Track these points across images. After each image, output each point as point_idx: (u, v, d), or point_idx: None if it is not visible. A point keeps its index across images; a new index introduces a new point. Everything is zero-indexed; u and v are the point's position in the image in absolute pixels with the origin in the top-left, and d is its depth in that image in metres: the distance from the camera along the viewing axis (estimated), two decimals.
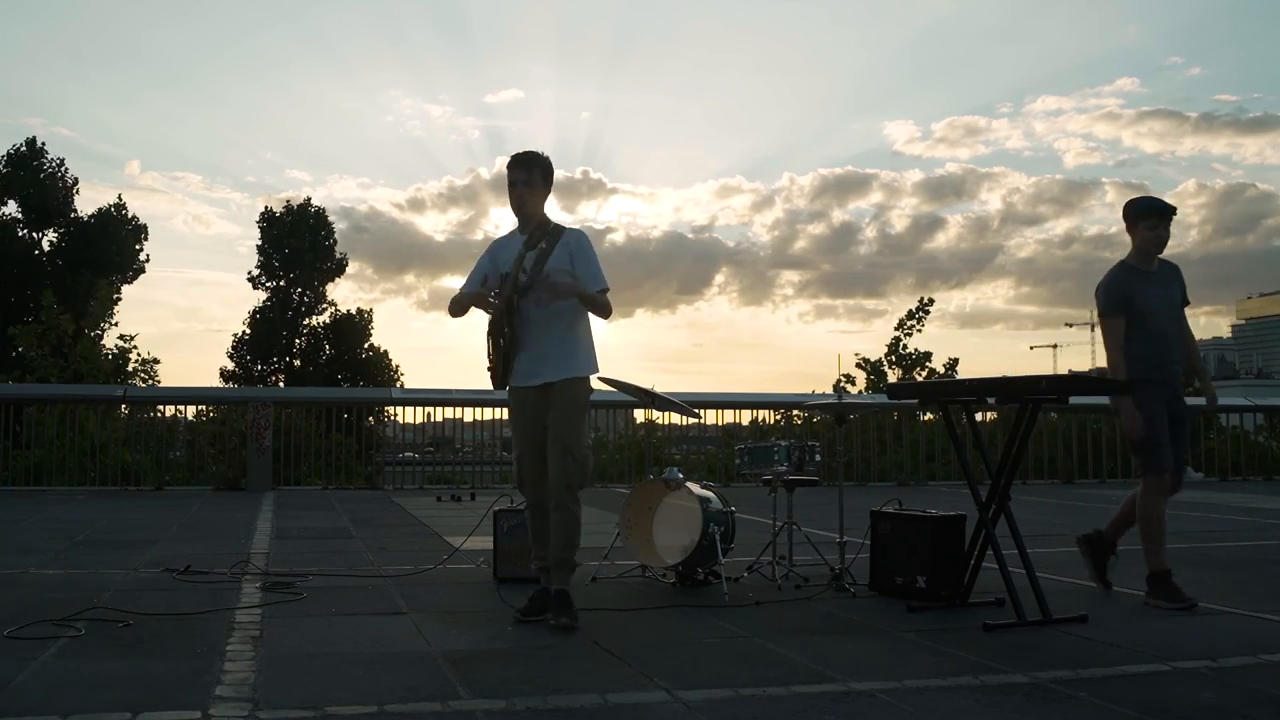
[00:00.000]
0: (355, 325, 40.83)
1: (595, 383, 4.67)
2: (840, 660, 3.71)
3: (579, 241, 4.46)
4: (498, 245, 4.61)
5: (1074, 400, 5.93)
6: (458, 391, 12.99)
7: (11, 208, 36.88)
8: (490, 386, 4.53)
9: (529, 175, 4.45)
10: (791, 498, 5.51)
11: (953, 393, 5.20)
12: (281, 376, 38.62)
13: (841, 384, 15.62)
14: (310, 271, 40.46)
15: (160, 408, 13.79)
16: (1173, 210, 5.03)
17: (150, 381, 17.99)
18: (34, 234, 37.22)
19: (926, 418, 14.19)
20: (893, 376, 18.12)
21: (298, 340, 40.48)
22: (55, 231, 37.40)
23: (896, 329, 18.76)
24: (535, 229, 4.46)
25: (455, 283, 4.73)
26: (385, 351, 41.01)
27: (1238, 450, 15.74)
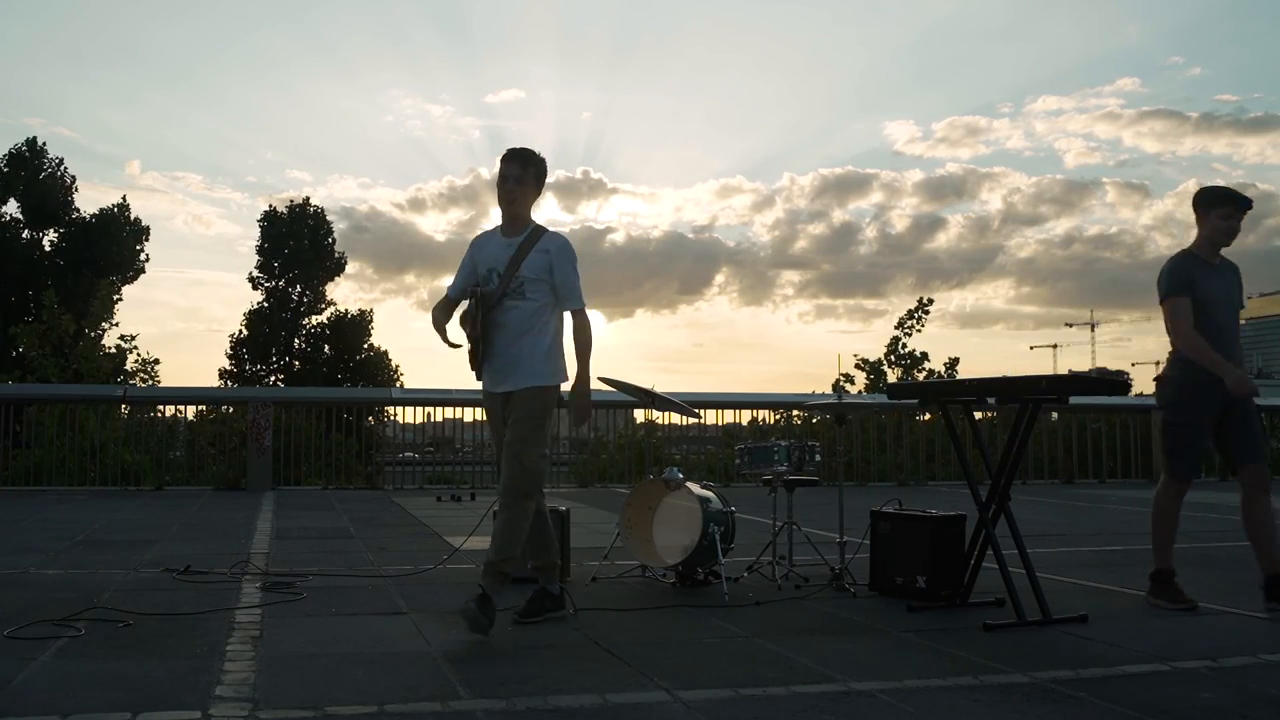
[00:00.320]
0: (355, 325, 40.84)
1: (600, 385, 4.68)
2: (840, 660, 3.70)
3: (560, 250, 4.32)
4: (478, 245, 4.50)
5: (1074, 400, 5.93)
6: (458, 391, 12.98)
7: (12, 207, 36.90)
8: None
9: (523, 172, 4.34)
10: (791, 498, 5.51)
11: (953, 393, 5.20)
12: (281, 376, 38.62)
13: (841, 384, 15.62)
14: (310, 271, 40.47)
15: (160, 408, 13.80)
16: (1248, 203, 4.79)
17: (150, 381, 17.99)
18: (35, 234, 37.23)
19: (925, 418, 14.18)
20: (893, 376, 18.12)
21: (297, 340, 40.49)
22: (56, 231, 37.41)
23: (896, 328, 18.77)
24: (519, 229, 4.35)
25: None
26: (385, 351, 41.05)
27: None
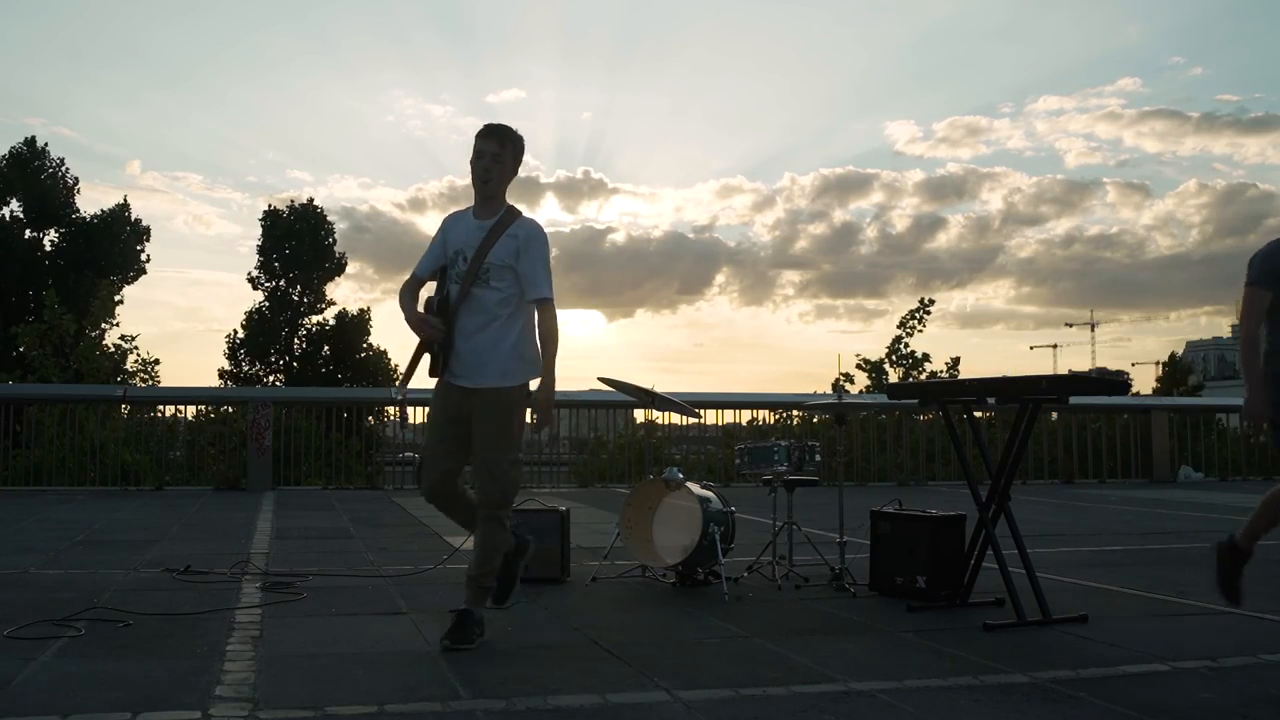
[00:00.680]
0: (355, 325, 40.82)
1: (598, 384, 4.53)
2: (840, 660, 3.70)
3: (529, 236, 4.00)
4: (450, 223, 4.17)
5: (1074, 400, 5.93)
6: None
7: (13, 207, 36.90)
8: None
9: (500, 150, 4.02)
10: (791, 498, 5.51)
11: (953, 393, 5.20)
12: (281, 377, 38.62)
13: (841, 384, 15.64)
14: (310, 271, 40.46)
15: (160, 408, 13.81)
16: None
17: (150, 381, 17.99)
18: (36, 234, 37.24)
19: (925, 418, 14.18)
20: (894, 377, 18.14)
21: (297, 340, 40.48)
22: (57, 231, 37.41)
23: (898, 328, 18.80)
24: (493, 212, 4.05)
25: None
26: (385, 351, 40.99)
27: (1238, 450, 15.74)
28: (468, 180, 4.05)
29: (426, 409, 4.35)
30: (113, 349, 19.00)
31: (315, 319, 40.78)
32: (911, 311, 18.89)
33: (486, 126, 4.07)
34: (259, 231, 40.75)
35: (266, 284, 40.60)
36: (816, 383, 29.99)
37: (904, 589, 4.90)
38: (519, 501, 5.58)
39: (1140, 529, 8.58)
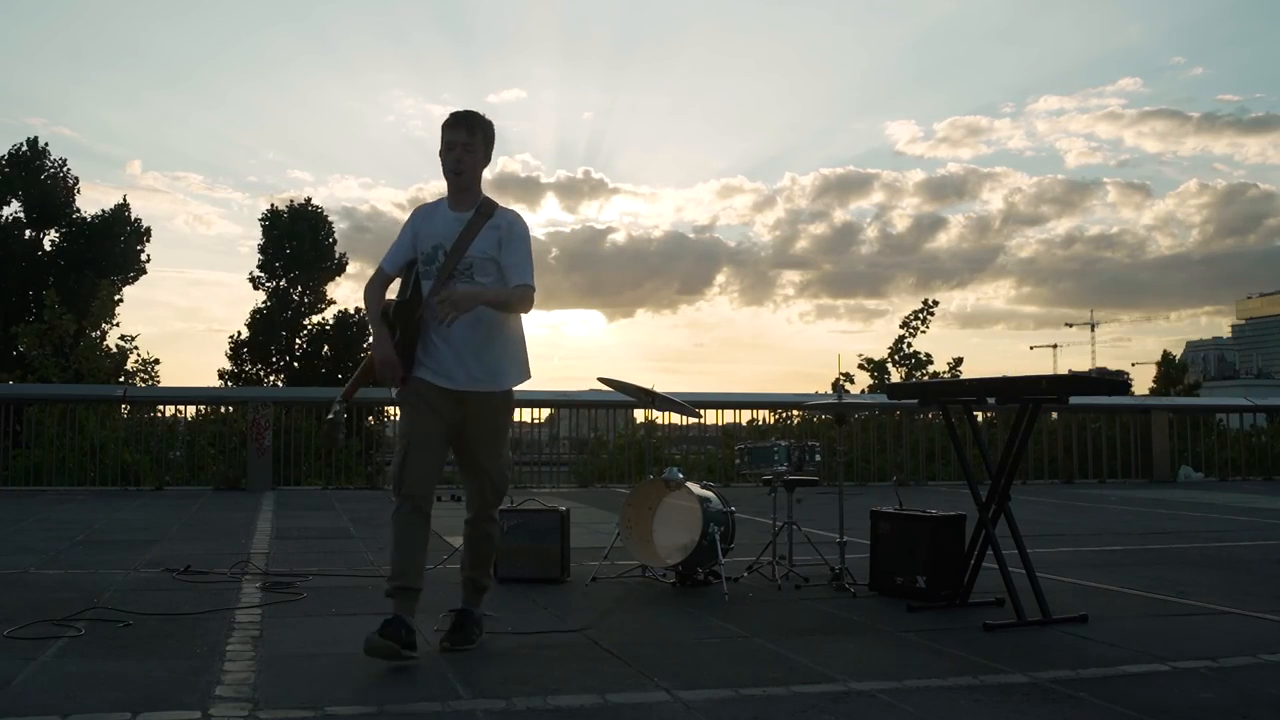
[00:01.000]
0: (356, 325, 40.81)
1: (598, 385, 4.44)
2: (840, 660, 3.70)
3: (511, 226, 3.84)
4: (422, 216, 3.92)
5: (1074, 400, 5.93)
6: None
7: (14, 207, 36.89)
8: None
9: (470, 138, 3.80)
10: (791, 498, 5.51)
11: (953, 393, 5.20)
12: (282, 377, 38.62)
13: (841, 384, 15.64)
14: (311, 271, 40.46)
15: (160, 408, 13.81)
16: None
17: (150, 381, 17.99)
18: (36, 234, 37.23)
19: (930, 416, 14.17)
20: (896, 377, 18.15)
21: (298, 340, 40.48)
22: (57, 231, 37.40)
23: (901, 327, 18.80)
24: (469, 203, 3.84)
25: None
26: None
27: (1238, 450, 15.74)
28: None
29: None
30: (114, 349, 19.02)
31: (316, 319, 40.79)
32: (915, 312, 18.92)
33: (453, 115, 3.85)
34: (259, 231, 40.79)
35: (268, 284, 40.61)
36: (816, 383, 29.94)
37: (904, 589, 4.90)
38: (519, 501, 5.60)
39: (1140, 529, 8.57)
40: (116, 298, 28.67)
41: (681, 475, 5.31)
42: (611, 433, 14.51)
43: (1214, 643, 4.04)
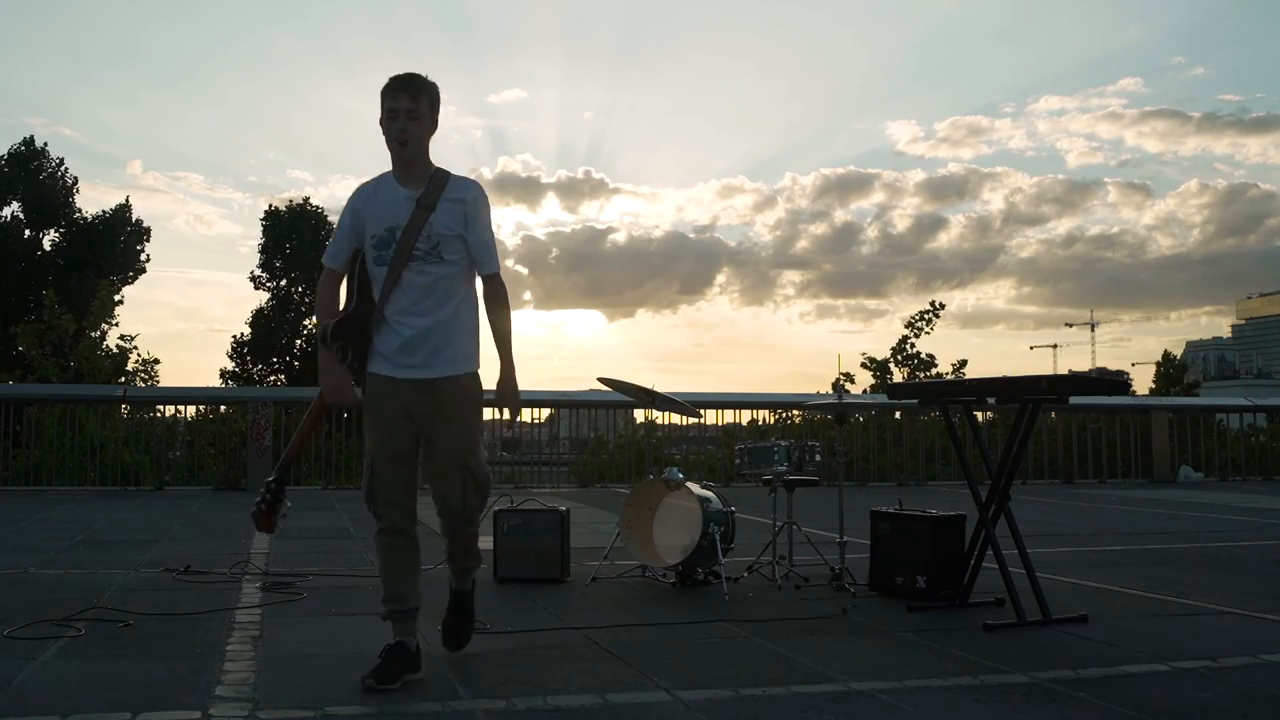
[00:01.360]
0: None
1: (597, 384, 4.41)
2: (840, 660, 3.70)
3: (475, 199, 3.50)
4: (364, 197, 3.52)
5: (1074, 400, 5.93)
6: None
7: (13, 207, 36.89)
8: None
9: (414, 104, 3.41)
10: (791, 498, 5.51)
11: (953, 393, 5.20)
12: (282, 377, 38.62)
13: (841, 384, 15.65)
14: (311, 271, 40.44)
15: (160, 408, 13.81)
16: None
17: (150, 381, 17.99)
18: (35, 234, 37.24)
19: (930, 417, 14.17)
20: (899, 376, 18.14)
21: (298, 340, 40.49)
22: (56, 231, 37.41)
23: (906, 328, 18.78)
24: (419, 177, 3.49)
25: None
26: None
27: (1238, 450, 15.74)
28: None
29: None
30: (114, 349, 19.02)
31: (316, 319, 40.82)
32: (921, 313, 18.88)
33: (393, 79, 3.46)
34: (260, 231, 40.80)
35: (269, 284, 40.63)
36: (817, 383, 29.97)
37: (904, 589, 4.90)
38: (519, 501, 5.60)
39: (1140, 529, 8.58)
40: (116, 298, 28.68)
41: (681, 475, 5.31)
42: (611, 433, 14.51)
43: (1214, 643, 4.04)
